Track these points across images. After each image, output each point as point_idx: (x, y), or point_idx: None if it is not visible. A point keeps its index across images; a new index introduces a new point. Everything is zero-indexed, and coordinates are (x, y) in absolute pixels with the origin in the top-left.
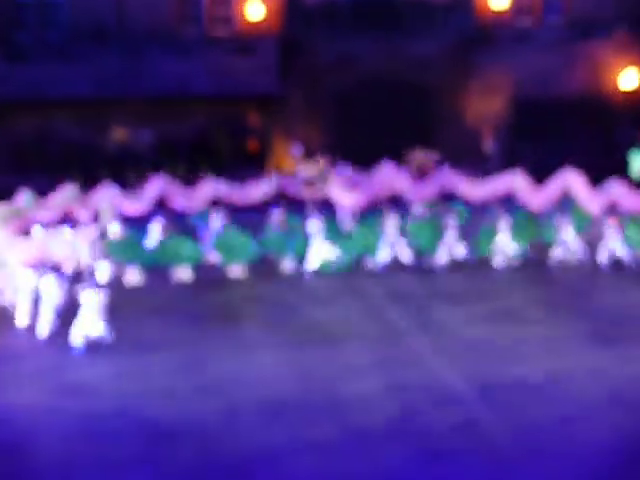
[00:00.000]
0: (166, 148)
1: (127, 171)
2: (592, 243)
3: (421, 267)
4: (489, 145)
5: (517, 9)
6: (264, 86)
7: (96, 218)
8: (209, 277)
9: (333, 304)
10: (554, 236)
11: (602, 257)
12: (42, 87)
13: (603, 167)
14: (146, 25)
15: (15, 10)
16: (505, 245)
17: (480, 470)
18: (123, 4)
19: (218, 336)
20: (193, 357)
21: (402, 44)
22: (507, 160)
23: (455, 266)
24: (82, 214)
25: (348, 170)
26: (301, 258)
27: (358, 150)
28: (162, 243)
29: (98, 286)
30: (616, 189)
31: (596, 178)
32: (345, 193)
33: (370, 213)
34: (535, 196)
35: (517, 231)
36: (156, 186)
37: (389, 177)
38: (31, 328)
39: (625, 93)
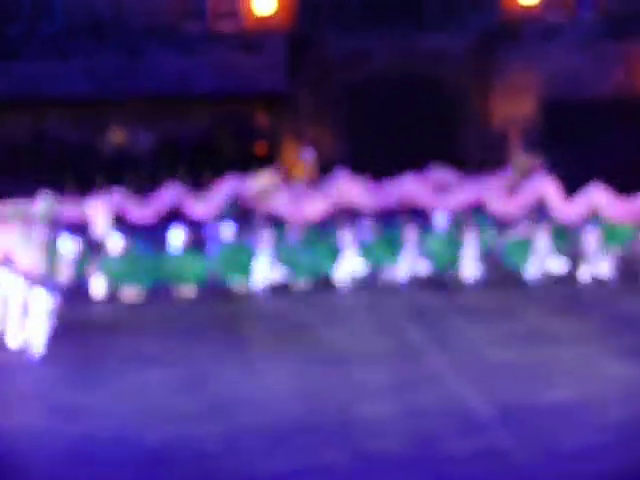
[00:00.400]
0: (167, 150)
1: (125, 174)
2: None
3: (442, 282)
4: (517, 152)
5: (547, 3)
6: (271, 84)
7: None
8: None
9: (348, 320)
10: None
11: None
12: (35, 84)
13: None
14: (145, 19)
15: (7, 3)
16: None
17: None
18: None
19: (221, 351)
20: (194, 373)
21: (419, 39)
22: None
23: (481, 283)
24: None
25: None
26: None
27: (372, 157)
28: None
29: (52, 290)
30: None
31: (633, 186)
32: (296, 206)
33: (323, 227)
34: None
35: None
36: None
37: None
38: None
39: None
